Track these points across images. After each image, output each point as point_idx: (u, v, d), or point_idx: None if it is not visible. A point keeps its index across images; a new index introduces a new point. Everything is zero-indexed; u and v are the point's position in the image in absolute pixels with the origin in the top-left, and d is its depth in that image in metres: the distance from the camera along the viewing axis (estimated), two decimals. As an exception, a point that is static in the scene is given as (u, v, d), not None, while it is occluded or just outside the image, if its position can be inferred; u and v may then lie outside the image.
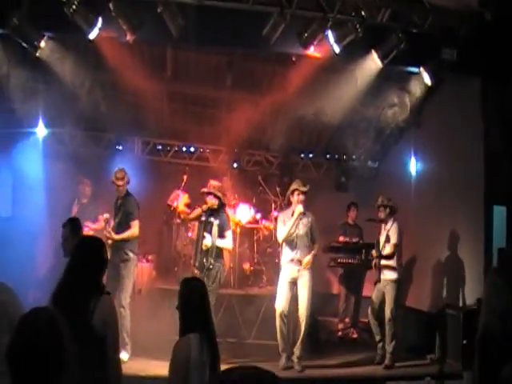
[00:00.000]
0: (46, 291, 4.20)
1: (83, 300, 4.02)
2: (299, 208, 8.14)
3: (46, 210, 9.85)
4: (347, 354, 8.89)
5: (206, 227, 8.23)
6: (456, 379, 6.06)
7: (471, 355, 7.28)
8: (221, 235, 8.20)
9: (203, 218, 8.33)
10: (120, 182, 8.27)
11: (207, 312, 4.39)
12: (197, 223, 8.69)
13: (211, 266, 8.03)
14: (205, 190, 8.38)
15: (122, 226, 8.19)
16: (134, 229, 8.15)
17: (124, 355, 7.63)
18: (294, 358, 8.11)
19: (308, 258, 8.11)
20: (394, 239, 8.54)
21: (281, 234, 8.30)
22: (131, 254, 8.11)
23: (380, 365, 8.31)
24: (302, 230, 8.19)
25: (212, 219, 8.19)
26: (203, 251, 8.11)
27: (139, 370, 7.21)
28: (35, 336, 2.34)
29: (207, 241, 8.10)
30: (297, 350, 8.13)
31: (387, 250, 8.59)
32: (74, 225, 6.45)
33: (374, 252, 8.80)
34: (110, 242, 8.00)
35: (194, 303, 4.33)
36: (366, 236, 10.43)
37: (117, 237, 8.06)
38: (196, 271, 8.22)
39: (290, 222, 8.17)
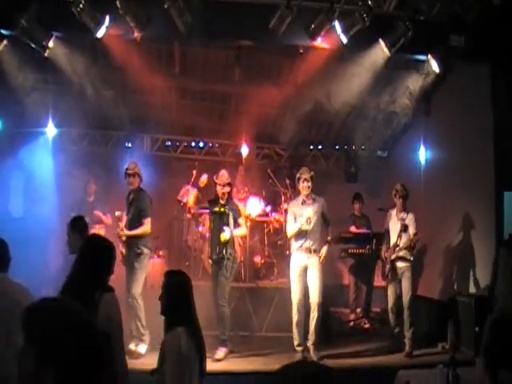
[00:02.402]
0: (59, 290, 4.24)
1: (88, 297, 4.05)
2: (309, 212, 8.10)
3: (56, 208, 9.91)
4: (359, 344, 8.90)
5: (223, 219, 8.30)
6: (469, 366, 6.05)
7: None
8: (235, 224, 8.31)
9: (216, 209, 8.39)
10: (131, 172, 8.33)
11: (192, 305, 4.36)
12: (207, 216, 8.66)
13: (229, 257, 8.14)
14: (220, 181, 8.41)
15: (134, 222, 8.23)
16: (146, 226, 8.19)
17: (142, 347, 7.76)
18: (310, 346, 8.10)
19: (324, 251, 8.14)
20: (413, 229, 8.43)
21: (289, 230, 8.31)
22: (145, 249, 8.17)
23: (393, 353, 8.35)
24: (312, 217, 8.18)
25: (226, 209, 8.26)
26: (221, 243, 8.17)
27: (151, 365, 7.24)
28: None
29: (226, 234, 8.17)
30: (311, 337, 8.10)
31: (405, 240, 8.47)
32: (76, 222, 6.48)
33: (384, 248, 8.78)
34: (123, 238, 8.14)
35: (181, 297, 4.31)
36: (375, 226, 10.43)
37: (128, 233, 8.15)
38: (211, 263, 8.35)
39: (297, 223, 8.13)
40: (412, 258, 8.49)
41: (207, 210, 8.76)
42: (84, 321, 2.28)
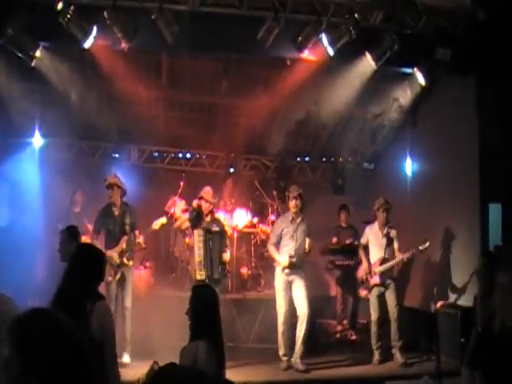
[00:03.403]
0: (45, 300, 4.22)
1: (81, 305, 4.04)
2: (285, 262, 8.19)
3: (42, 219, 9.85)
4: (346, 354, 8.92)
5: (223, 240, 8.49)
6: (454, 377, 6.09)
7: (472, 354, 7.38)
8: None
9: (216, 229, 8.44)
10: (106, 184, 8.37)
11: (217, 319, 4.44)
12: (196, 231, 8.55)
13: (227, 275, 8.53)
14: (212, 198, 8.51)
15: (114, 235, 8.27)
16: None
17: (126, 358, 7.79)
18: (297, 359, 8.15)
19: (309, 241, 8.19)
20: (397, 243, 8.64)
21: (270, 249, 8.52)
22: (131, 261, 8.28)
23: (380, 364, 8.38)
24: (300, 236, 8.27)
25: (223, 230, 8.46)
26: (222, 263, 8.32)
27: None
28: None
29: (228, 255, 8.47)
30: (298, 351, 8.17)
31: (392, 253, 8.68)
32: (71, 231, 6.49)
33: (362, 267, 8.90)
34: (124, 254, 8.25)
35: (205, 310, 4.39)
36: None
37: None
38: (207, 282, 8.22)
39: (277, 257, 8.32)
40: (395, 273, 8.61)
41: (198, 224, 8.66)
42: (72, 331, 2.29)
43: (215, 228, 8.42)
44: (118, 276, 8.06)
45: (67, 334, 2.27)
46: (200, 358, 4.12)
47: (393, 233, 8.69)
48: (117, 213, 8.34)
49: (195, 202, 8.48)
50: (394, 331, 8.48)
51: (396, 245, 8.70)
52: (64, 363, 2.15)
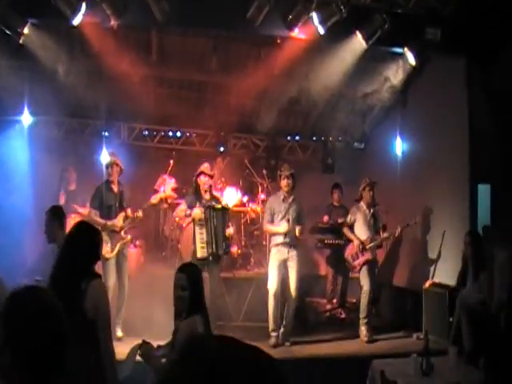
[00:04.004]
0: (36, 278, 4.22)
1: (75, 284, 4.06)
2: (284, 227, 8.23)
3: (32, 197, 9.80)
4: (335, 333, 8.99)
5: (225, 215, 8.54)
6: (442, 355, 6.16)
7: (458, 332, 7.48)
8: None
9: (218, 206, 8.50)
10: (108, 163, 8.54)
11: (204, 295, 4.60)
12: (197, 210, 8.48)
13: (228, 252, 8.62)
14: (210, 171, 8.61)
15: (115, 211, 8.40)
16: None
17: (119, 332, 8.01)
18: (283, 333, 8.32)
19: (299, 229, 8.21)
20: (383, 220, 8.82)
21: (265, 227, 8.59)
22: (129, 236, 8.53)
23: (369, 341, 8.50)
24: (292, 215, 8.29)
25: (228, 206, 8.52)
26: (222, 239, 8.37)
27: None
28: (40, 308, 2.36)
29: (231, 229, 8.54)
30: (286, 328, 8.34)
31: (377, 233, 8.92)
32: (54, 211, 6.45)
33: (350, 247, 9.02)
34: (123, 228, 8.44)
35: (200, 288, 4.54)
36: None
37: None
38: (211, 259, 8.31)
39: (273, 228, 8.36)
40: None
41: (195, 204, 8.65)
42: (57, 312, 2.36)
43: (217, 205, 8.48)
44: (116, 249, 8.16)
45: (51, 314, 2.32)
46: (198, 331, 4.26)
47: (378, 212, 8.90)
48: (116, 190, 8.46)
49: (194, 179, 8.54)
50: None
51: (380, 225, 8.96)
52: (42, 342, 2.23)
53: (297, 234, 8.17)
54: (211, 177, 8.58)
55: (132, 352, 4.37)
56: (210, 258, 8.26)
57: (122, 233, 8.39)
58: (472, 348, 6.89)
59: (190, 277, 4.47)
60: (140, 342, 4.35)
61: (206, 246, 8.30)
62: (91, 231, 4.52)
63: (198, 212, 8.34)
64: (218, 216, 8.44)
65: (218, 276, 8.44)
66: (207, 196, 8.49)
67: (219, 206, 8.49)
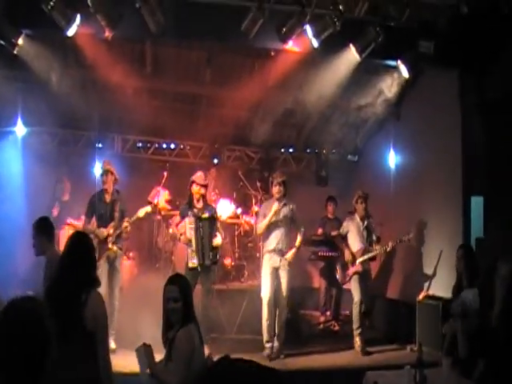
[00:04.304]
0: (27, 290, 4.21)
1: (77, 295, 4.07)
2: (275, 206, 8.25)
3: (25, 208, 9.75)
4: (329, 345, 8.98)
5: (213, 225, 8.42)
6: (435, 367, 6.14)
7: (451, 344, 7.45)
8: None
9: (205, 215, 8.41)
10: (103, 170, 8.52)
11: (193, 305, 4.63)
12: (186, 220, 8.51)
13: (217, 262, 8.44)
14: (202, 181, 8.49)
15: (106, 220, 8.37)
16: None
17: (112, 344, 7.80)
18: (277, 348, 8.25)
19: (291, 254, 8.26)
20: (377, 232, 8.84)
21: (259, 227, 8.50)
22: (115, 246, 8.37)
23: (363, 351, 8.49)
24: (282, 220, 8.29)
25: (212, 214, 8.39)
26: (213, 249, 8.30)
27: (122, 367, 7.21)
28: (20, 318, 2.38)
29: (218, 239, 8.41)
30: (279, 339, 8.30)
31: (370, 245, 8.92)
32: (40, 224, 6.36)
33: (347, 251, 9.01)
34: (109, 238, 8.31)
35: (191, 298, 4.59)
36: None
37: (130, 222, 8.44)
38: (199, 269, 8.24)
39: (266, 218, 8.29)
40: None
41: (187, 214, 8.63)
42: (43, 326, 2.40)
43: (205, 214, 8.40)
44: (101, 260, 8.12)
45: (39, 327, 2.35)
46: (196, 340, 4.36)
47: (371, 224, 8.91)
48: (108, 199, 8.43)
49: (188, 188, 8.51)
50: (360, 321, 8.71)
51: (374, 237, 8.95)
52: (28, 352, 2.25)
53: (296, 244, 8.26)
54: (205, 186, 8.51)
55: (139, 355, 4.39)
56: (199, 268, 8.21)
57: (110, 244, 8.30)
58: (467, 356, 6.86)
59: (181, 288, 4.48)
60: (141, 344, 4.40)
61: (196, 256, 8.28)
62: (87, 239, 4.57)
63: (187, 222, 8.34)
64: (204, 226, 8.38)
65: (209, 287, 8.35)
66: (199, 205, 8.44)
67: (206, 216, 8.39)
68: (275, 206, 8.24)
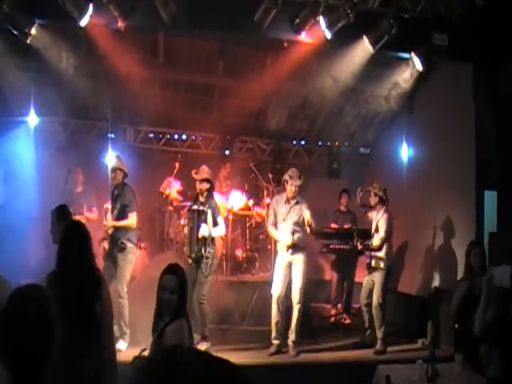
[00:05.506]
0: (38, 280, 4.21)
1: (80, 282, 4.08)
2: (287, 242, 8.19)
3: (37, 198, 9.80)
4: (340, 339, 8.98)
5: (200, 217, 8.25)
6: (448, 362, 6.11)
7: (464, 339, 7.40)
8: (214, 222, 8.26)
9: (194, 207, 8.35)
10: (112, 167, 8.47)
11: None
12: (187, 212, 8.60)
13: (208, 255, 8.10)
14: (198, 176, 8.38)
15: (119, 217, 8.26)
16: (131, 220, 8.21)
17: (122, 344, 7.66)
18: (290, 342, 8.19)
19: (308, 219, 8.06)
20: (382, 232, 8.61)
21: (269, 229, 8.52)
22: (128, 244, 8.16)
23: (371, 349, 8.42)
24: (294, 217, 8.24)
25: (205, 208, 8.22)
26: (199, 241, 8.16)
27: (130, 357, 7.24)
28: (24, 307, 2.40)
29: (204, 230, 8.15)
30: (291, 334, 8.20)
31: (375, 241, 8.71)
32: (59, 211, 6.40)
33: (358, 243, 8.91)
34: (109, 231, 8.18)
35: (186, 291, 4.46)
36: (361, 222, 10.44)
37: (114, 223, 8.19)
38: (190, 262, 8.23)
39: (277, 235, 8.32)
40: (385, 265, 8.64)
41: (187, 205, 8.66)
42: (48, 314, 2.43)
43: (194, 206, 8.36)
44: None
45: (43, 313, 2.38)
46: (185, 335, 4.21)
47: (381, 221, 8.71)
48: (116, 193, 8.39)
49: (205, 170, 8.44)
50: (375, 317, 8.55)
51: (380, 233, 8.68)
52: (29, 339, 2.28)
53: (306, 222, 8.07)
54: (205, 181, 8.34)
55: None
56: (190, 260, 8.20)
57: (109, 232, 8.21)
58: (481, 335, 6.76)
59: (179, 280, 4.34)
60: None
61: (188, 249, 8.32)
62: (81, 229, 4.63)
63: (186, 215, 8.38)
64: (193, 217, 8.37)
65: (200, 279, 8.10)
66: (202, 199, 8.39)
67: (194, 208, 8.35)
68: (287, 239, 8.18)
